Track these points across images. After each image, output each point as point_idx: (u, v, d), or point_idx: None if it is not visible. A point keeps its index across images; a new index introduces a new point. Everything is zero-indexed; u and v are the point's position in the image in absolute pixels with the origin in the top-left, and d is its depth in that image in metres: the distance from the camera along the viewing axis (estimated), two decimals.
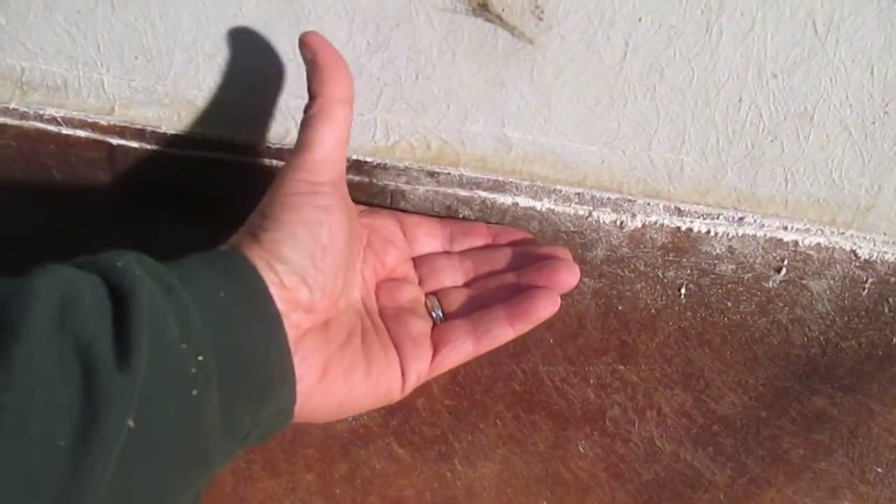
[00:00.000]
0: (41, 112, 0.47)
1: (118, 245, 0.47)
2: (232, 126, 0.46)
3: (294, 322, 0.35)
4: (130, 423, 0.26)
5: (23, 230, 0.50)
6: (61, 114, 0.47)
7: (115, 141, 0.48)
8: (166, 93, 0.46)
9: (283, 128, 0.46)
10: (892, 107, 0.43)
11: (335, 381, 0.36)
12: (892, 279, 0.47)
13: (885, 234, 0.46)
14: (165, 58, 0.45)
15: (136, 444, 0.26)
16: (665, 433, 0.51)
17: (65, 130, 0.48)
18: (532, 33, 0.42)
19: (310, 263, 0.35)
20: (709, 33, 0.42)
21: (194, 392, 0.29)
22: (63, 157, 0.48)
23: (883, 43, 0.41)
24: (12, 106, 0.47)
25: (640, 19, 0.42)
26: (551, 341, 0.49)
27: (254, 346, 0.32)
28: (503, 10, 0.42)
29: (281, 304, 0.34)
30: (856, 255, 0.46)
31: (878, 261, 0.46)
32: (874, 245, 0.46)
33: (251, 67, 0.45)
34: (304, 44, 0.38)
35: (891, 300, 0.47)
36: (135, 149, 0.47)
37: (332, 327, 0.37)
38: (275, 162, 0.46)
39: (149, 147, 0.47)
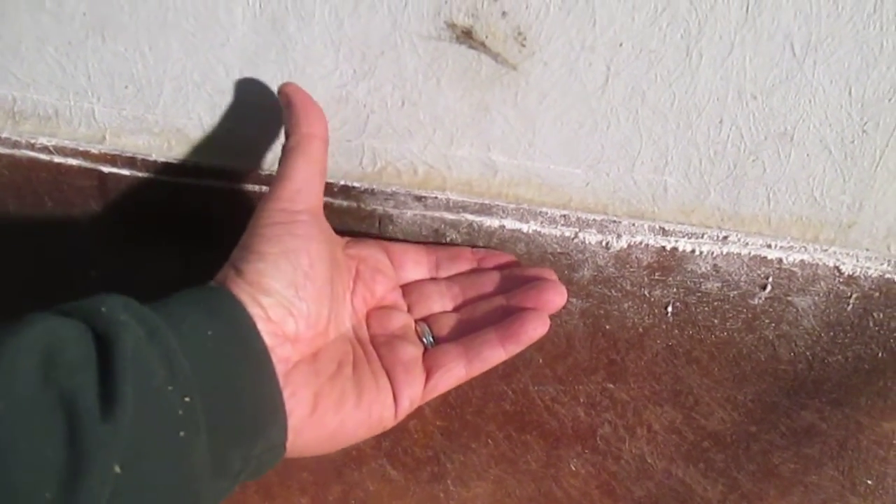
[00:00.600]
0: (33, 141, 0.48)
1: (108, 273, 0.48)
2: (221, 153, 0.47)
3: (282, 356, 0.35)
4: (117, 468, 0.26)
5: (14, 258, 0.51)
6: (53, 142, 0.48)
7: (106, 169, 0.48)
8: (156, 121, 0.47)
9: (272, 154, 0.47)
10: (870, 125, 0.43)
11: (326, 414, 0.36)
12: (876, 294, 0.47)
13: (867, 249, 0.46)
14: (155, 87, 0.46)
15: (124, 490, 0.26)
16: (656, 450, 0.51)
17: (56, 159, 0.48)
18: (515, 59, 0.43)
19: (293, 293, 0.36)
20: (689, 57, 0.42)
21: (182, 433, 0.29)
22: (55, 184, 0.49)
23: (859, 64, 0.42)
24: (4, 135, 0.48)
25: (620, 44, 0.42)
26: (541, 361, 0.49)
27: (242, 383, 0.33)
28: (486, 37, 0.43)
29: (268, 339, 0.34)
30: (839, 271, 0.47)
31: (862, 276, 0.47)
32: (857, 261, 0.46)
33: (240, 95, 0.45)
34: (281, 92, 0.40)
35: (875, 314, 0.48)
36: (126, 176, 0.48)
37: (321, 358, 0.38)
38: (264, 188, 0.47)
39: (140, 175, 0.48)
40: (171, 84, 0.46)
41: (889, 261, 0.46)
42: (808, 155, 0.44)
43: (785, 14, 0.41)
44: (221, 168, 0.46)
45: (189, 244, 0.49)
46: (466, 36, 0.42)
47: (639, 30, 0.42)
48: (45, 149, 0.48)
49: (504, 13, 0.42)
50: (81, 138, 0.48)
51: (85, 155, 0.48)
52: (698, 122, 0.44)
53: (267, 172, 0.47)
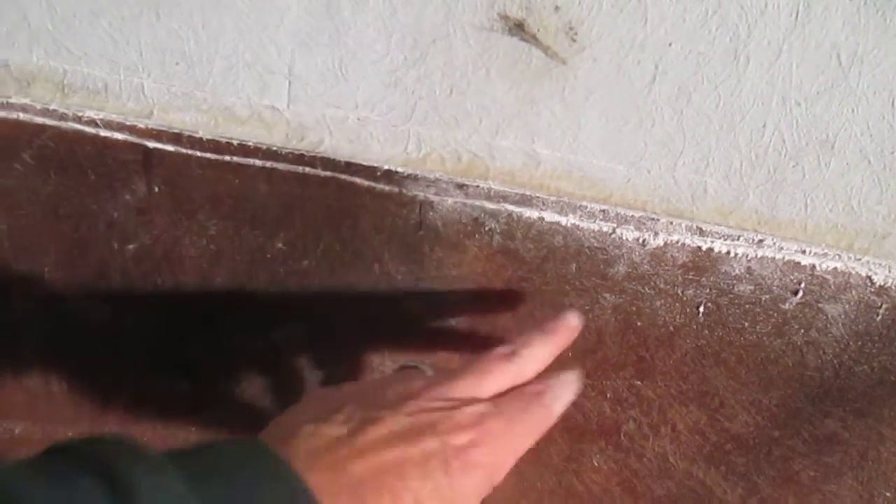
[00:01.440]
0: (80, 114, 0.48)
1: (145, 247, 0.48)
2: (268, 133, 0.48)
3: None
4: None
5: (53, 230, 0.51)
6: (100, 116, 0.48)
7: (151, 144, 0.49)
8: (205, 99, 0.48)
9: (317, 137, 0.48)
10: None
11: None
12: None
13: None
14: (206, 65, 0.47)
15: None
16: (678, 450, 0.52)
17: (102, 132, 0.49)
18: (565, 54, 0.44)
19: None
20: (736, 61, 0.43)
21: None
22: (99, 158, 0.49)
23: None
24: (52, 107, 0.48)
25: (670, 44, 0.43)
26: (570, 355, 0.50)
27: None
28: (538, 31, 0.43)
29: None
30: (871, 280, 0.47)
31: (893, 287, 0.47)
32: (889, 272, 0.47)
33: (290, 77, 0.46)
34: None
35: None
36: (170, 153, 0.49)
37: None
38: (308, 169, 0.48)
39: (184, 151, 0.48)
40: (221, 63, 0.46)
41: None
42: (847, 164, 0.45)
43: (833, 23, 0.42)
44: (269, 148, 0.47)
45: (229, 223, 0.50)
46: (518, 28, 0.43)
47: (689, 31, 0.42)
48: (91, 122, 0.48)
49: (557, 7, 0.43)
50: (129, 113, 0.48)
51: (131, 129, 0.48)
52: (742, 125, 0.44)
53: (311, 154, 0.47)
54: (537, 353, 0.40)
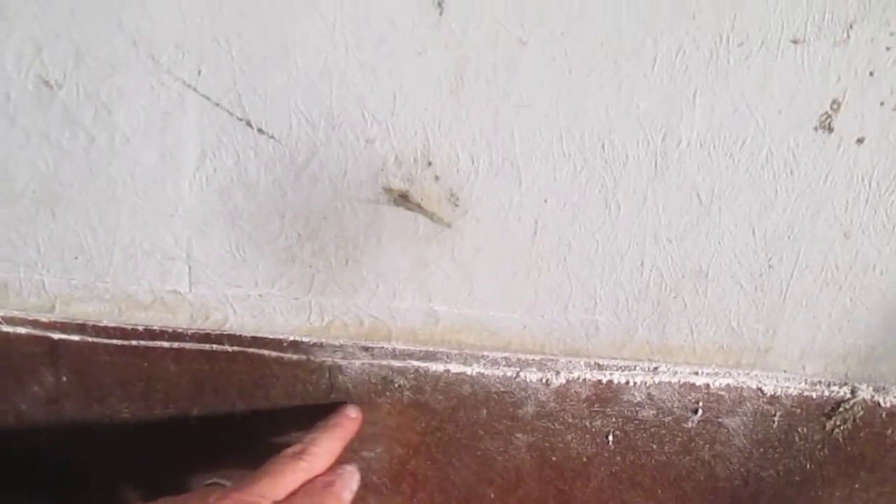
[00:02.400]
0: None
1: (58, 437, 0.48)
2: (173, 315, 0.49)
3: None
4: None
5: None
6: (2, 313, 0.48)
7: (56, 336, 0.49)
8: (106, 289, 0.48)
9: (221, 315, 0.49)
10: (774, 260, 0.48)
11: None
12: (798, 410, 0.51)
13: (785, 371, 0.50)
14: (105, 256, 0.48)
15: None
16: None
17: (5, 328, 0.49)
18: (450, 218, 0.46)
19: None
20: (608, 209, 0.46)
21: None
22: (3, 352, 0.49)
23: (759, 208, 0.46)
24: None
25: (545, 200, 0.46)
26: (492, 496, 0.51)
27: None
28: (422, 199, 0.46)
29: None
30: (762, 391, 0.50)
31: (783, 395, 0.50)
32: (777, 381, 0.50)
33: (189, 262, 0.47)
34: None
35: (799, 429, 0.51)
36: (76, 342, 0.49)
37: None
38: (215, 346, 0.49)
39: (90, 340, 0.49)
40: (120, 253, 0.48)
41: (806, 380, 0.50)
42: (722, 289, 0.48)
43: (689, 168, 0.45)
44: (174, 329, 0.48)
45: (141, 404, 0.50)
46: (403, 199, 0.46)
47: (561, 186, 0.46)
48: None
49: (437, 177, 0.46)
50: (31, 308, 0.49)
51: (34, 323, 0.49)
52: (622, 265, 0.47)
53: (217, 332, 0.48)
54: (326, 448, 0.44)
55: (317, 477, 0.42)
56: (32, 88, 0.45)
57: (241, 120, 0.45)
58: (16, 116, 0.45)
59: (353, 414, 0.47)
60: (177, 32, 0.43)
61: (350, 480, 0.43)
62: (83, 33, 0.44)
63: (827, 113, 0.44)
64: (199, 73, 0.44)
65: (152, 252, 0.47)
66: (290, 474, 0.41)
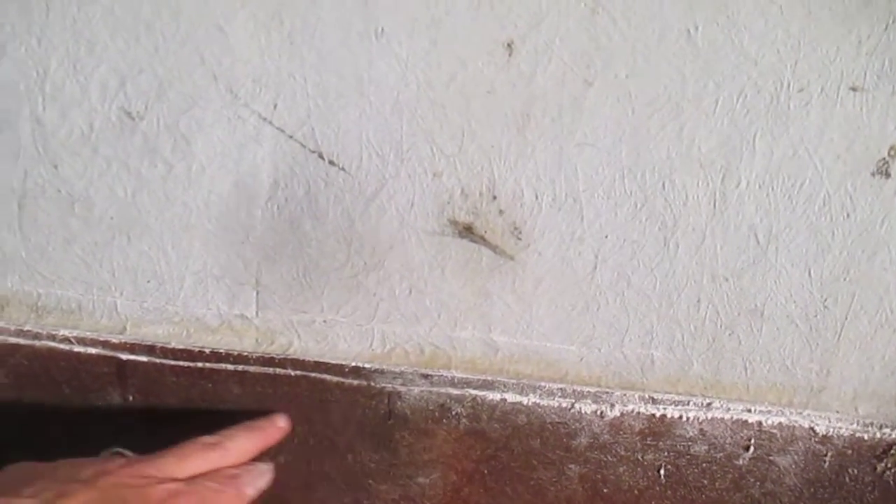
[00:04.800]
0: (55, 332, 0.50)
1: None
2: (239, 339, 0.50)
3: None
4: None
5: (31, 444, 0.52)
6: (74, 334, 0.50)
7: (124, 356, 0.51)
8: (176, 312, 0.50)
9: (286, 340, 0.50)
10: (829, 301, 0.49)
11: None
12: (849, 451, 0.51)
13: (837, 411, 0.51)
14: (177, 281, 0.49)
15: None
16: None
17: (76, 348, 0.51)
18: (512, 251, 0.48)
19: None
20: (667, 246, 0.47)
21: None
22: (73, 372, 0.51)
23: (815, 249, 0.47)
24: (26, 328, 0.50)
25: (606, 236, 0.47)
26: None
27: None
28: (486, 232, 0.47)
29: None
30: (814, 431, 0.51)
31: (835, 435, 0.51)
32: (829, 422, 0.51)
33: (258, 287, 0.49)
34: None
35: (850, 471, 0.52)
36: (143, 363, 0.51)
37: None
38: (278, 370, 0.50)
39: (157, 361, 0.50)
40: (191, 278, 0.49)
41: (858, 421, 0.50)
42: (777, 328, 0.49)
43: (748, 209, 0.47)
44: (239, 353, 0.49)
45: (204, 426, 0.51)
46: (468, 231, 0.47)
47: (622, 223, 0.47)
48: (65, 339, 0.50)
49: (501, 211, 0.47)
50: (103, 329, 0.50)
51: (104, 344, 0.50)
52: (678, 301, 0.48)
53: (281, 356, 0.50)
54: (240, 445, 0.44)
55: (225, 468, 0.42)
56: (115, 119, 0.47)
57: (313, 152, 0.47)
58: (98, 145, 0.47)
59: (280, 423, 0.48)
60: (255, 68, 0.45)
61: (258, 478, 0.43)
62: (166, 67, 0.46)
63: (884, 159, 0.45)
64: (275, 106, 0.46)
65: (222, 277, 0.49)
66: (198, 459, 0.41)
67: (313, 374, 0.50)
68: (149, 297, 0.49)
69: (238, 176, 0.47)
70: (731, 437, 0.51)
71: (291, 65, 0.45)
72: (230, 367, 0.50)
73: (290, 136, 0.46)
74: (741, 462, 0.51)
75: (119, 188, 0.48)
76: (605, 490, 0.52)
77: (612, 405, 0.50)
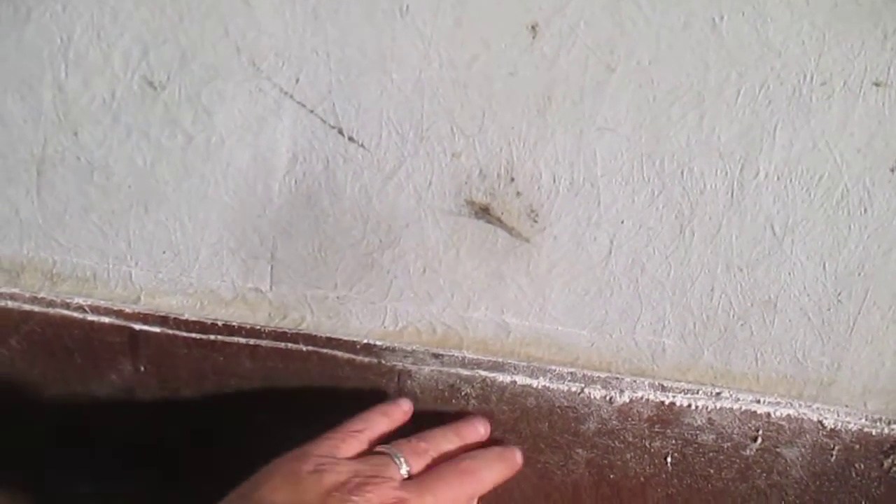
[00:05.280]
0: (69, 301, 0.50)
1: (132, 427, 0.49)
2: (252, 313, 0.50)
3: None
4: None
5: (42, 412, 0.52)
6: (88, 302, 0.50)
7: (138, 326, 0.51)
8: (190, 283, 0.50)
9: (299, 315, 0.50)
10: (843, 295, 0.49)
11: None
12: (857, 446, 0.51)
13: (846, 406, 0.51)
14: (192, 252, 0.50)
15: None
16: None
17: (90, 317, 0.51)
18: (528, 233, 0.48)
19: None
20: (682, 234, 0.47)
21: None
22: (86, 341, 0.51)
23: (832, 243, 0.47)
24: (41, 295, 0.50)
25: (622, 222, 0.47)
26: None
27: None
28: (502, 214, 0.47)
29: None
30: (822, 424, 0.51)
31: (843, 430, 0.51)
32: (838, 416, 0.51)
33: (272, 262, 0.49)
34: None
35: (857, 465, 0.52)
36: (156, 334, 0.51)
37: None
38: (290, 345, 0.50)
39: (170, 332, 0.51)
40: (207, 250, 0.49)
41: (866, 416, 0.50)
42: (790, 321, 0.49)
43: (765, 200, 0.47)
44: (252, 326, 0.49)
45: (213, 397, 0.52)
46: (484, 212, 0.47)
47: (638, 210, 0.47)
48: (79, 307, 0.51)
49: (518, 193, 0.47)
50: (117, 298, 0.51)
51: (118, 313, 0.50)
52: (692, 290, 0.48)
53: (294, 331, 0.50)
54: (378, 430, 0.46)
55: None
56: (137, 88, 0.47)
57: (333, 128, 0.47)
58: (119, 114, 0.47)
59: (405, 407, 0.49)
60: (279, 42, 0.45)
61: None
62: (190, 38, 0.46)
63: None
64: (297, 81, 0.46)
65: (237, 250, 0.49)
66: (353, 444, 0.43)
67: (324, 350, 0.50)
68: (164, 267, 0.50)
69: (257, 149, 0.47)
70: (739, 428, 0.51)
71: (315, 40, 0.45)
72: (242, 340, 0.50)
73: (311, 111, 0.46)
74: (748, 453, 0.51)
75: (138, 157, 0.48)
76: (611, 476, 0.52)
77: (622, 391, 0.50)
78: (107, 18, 0.46)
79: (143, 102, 0.47)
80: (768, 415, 0.50)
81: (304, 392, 0.50)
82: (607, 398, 0.50)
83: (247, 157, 0.47)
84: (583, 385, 0.50)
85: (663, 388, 0.50)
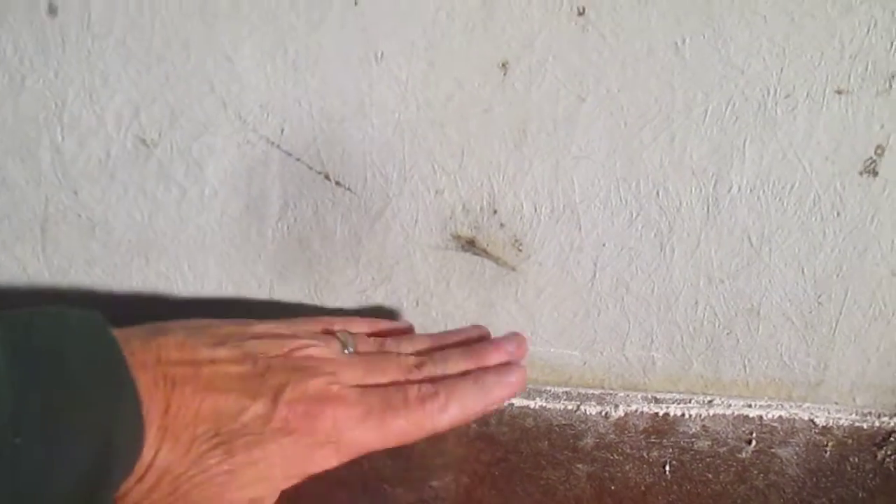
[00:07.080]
0: None
1: None
2: None
3: None
4: None
5: None
6: None
7: None
8: None
9: None
10: (824, 298, 0.50)
11: None
12: (850, 441, 0.53)
13: (836, 403, 0.52)
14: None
15: None
16: None
17: None
18: (514, 262, 0.50)
19: None
20: (663, 252, 0.49)
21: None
22: None
23: (808, 248, 0.49)
24: None
25: (604, 244, 0.49)
26: None
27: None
28: (488, 245, 0.49)
29: None
30: (814, 423, 0.53)
31: (835, 426, 0.53)
32: (829, 413, 0.52)
33: (269, 304, 0.51)
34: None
35: (851, 459, 0.53)
36: None
37: None
38: None
39: None
40: (208, 297, 0.51)
41: (857, 411, 0.52)
42: (774, 326, 0.51)
43: (740, 212, 0.48)
44: None
45: None
46: (470, 245, 0.49)
47: (619, 232, 0.49)
48: None
49: (502, 224, 0.49)
50: None
51: None
52: (677, 304, 0.50)
53: None
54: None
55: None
56: (131, 147, 0.49)
57: (319, 174, 0.49)
58: (115, 172, 0.50)
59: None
60: (262, 94, 0.47)
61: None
62: (177, 96, 0.48)
63: (871, 158, 0.47)
64: (283, 131, 0.48)
65: (236, 294, 0.51)
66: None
67: None
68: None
69: (249, 198, 0.49)
70: (733, 432, 0.53)
71: (297, 90, 0.47)
72: None
73: (298, 159, 0.48)
74: (744, 455, 0.53)
75: (136, 212, 0.50)
76: (612, 487, 0.53)
77: (616, 406, 0.52)
78: (97, 81, 0.48)
79: (138, 160, 0.49)
80: (760, 417, 0.52)
81: None
82: (603, 413, 0.52)
83: (240, 206, 0.49)
84: (578, 403, 0.52)
85: (656, 400, 0.51)
